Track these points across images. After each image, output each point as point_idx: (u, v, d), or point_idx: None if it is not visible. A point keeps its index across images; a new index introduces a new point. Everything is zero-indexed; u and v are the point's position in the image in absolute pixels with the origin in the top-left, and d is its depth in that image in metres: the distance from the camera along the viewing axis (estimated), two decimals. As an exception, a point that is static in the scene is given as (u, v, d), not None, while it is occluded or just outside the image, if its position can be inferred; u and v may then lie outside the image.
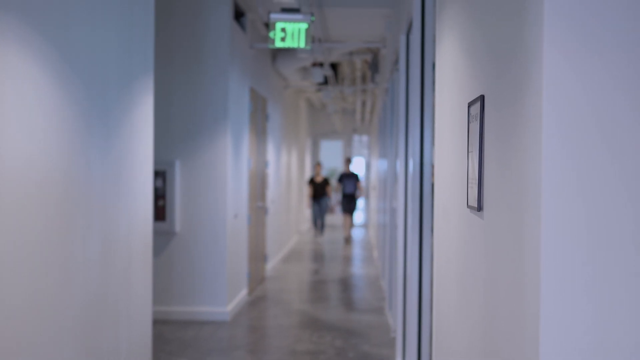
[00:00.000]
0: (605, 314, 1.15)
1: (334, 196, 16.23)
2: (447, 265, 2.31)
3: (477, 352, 1.75)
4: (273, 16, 5.50)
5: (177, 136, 6.98)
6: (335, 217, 21.64)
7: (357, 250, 13.76)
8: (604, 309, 1.15)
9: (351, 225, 15.67)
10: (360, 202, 19.83)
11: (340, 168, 23.46)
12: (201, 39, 6.93)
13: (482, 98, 1.68)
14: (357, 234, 17.65)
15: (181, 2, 6.90)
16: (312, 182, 15.32)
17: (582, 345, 1.16)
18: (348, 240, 15.40)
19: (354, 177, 15.61)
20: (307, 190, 15.81)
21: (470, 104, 1.83)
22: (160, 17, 6.60)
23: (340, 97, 15.69)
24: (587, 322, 1.15)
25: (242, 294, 7.91)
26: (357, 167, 25.01)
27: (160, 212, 6.94)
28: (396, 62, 5.79)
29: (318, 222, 15.38)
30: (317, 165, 15.66)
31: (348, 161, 16.25)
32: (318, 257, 12.46)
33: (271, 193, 10.59)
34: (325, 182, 15.30)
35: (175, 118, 6.95)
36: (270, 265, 10.49)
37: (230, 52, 6.98)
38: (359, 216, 22.34)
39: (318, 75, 10.48)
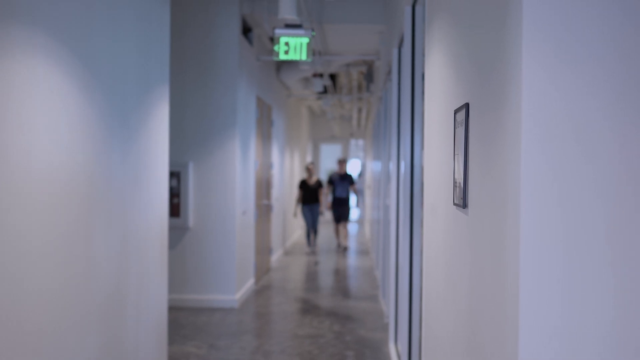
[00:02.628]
0: (579, 299, 1.15)
1: (324, 199, 12.51)
2: (436, 256, 2.31)
3: (462, 334, 1.75)
4: (277, 31, 5.50)
5: (190, 140, 6.98)
6: (326, 220, 17.71)
7: (353, 244, 13.73)
8: (577, 295, 1.15)
9: (346, 234, 12.40)
10: (353, 202, 14.20)
11: None
12: (212, 52, 6.93)
13: (467, 106, 1.68)
14: (352, 236, 14.87)
15: (194, 18, 6.90)
16: (303, 184, 11.75)
17: (557, 328, 1.16)
18: (343, 249, 12.26)
19: (347, 179, 12.28)
20: (296, 195, 12.16)
21: (456, 111, 1.83)
22: (175, 32, 6.61)
23: (339, 104, 15.68)
24: (562, 307, 1.16)
25: (250, 283, 7.91)
26: (353, 168, 22.49)
27: (175, 209, 6.95)
28: (389, 73, 5.79)
29: (311, 232, 11.96)
30: (309, 165, 11.93)
31: (342, 162, 12.66)
32: (318, 250, 12.45)
33: (275, 192, 10.59)
34: (319, 184, 11.82)
35: (189, 123, 6.96)
36: (275, 257, 10.49)
37: (238, 64, 6.99)
38: (353, 221, 18.63)
39: (318, 85, 10.49)
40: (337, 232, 12.56)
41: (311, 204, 11.71)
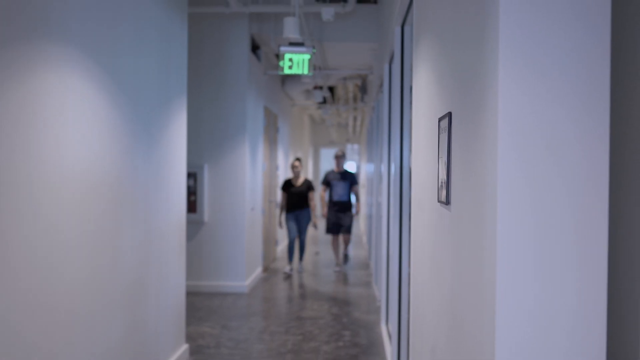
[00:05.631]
0: (549, 284, 1.16)
1: (319, 205, 8.32)
2: (422, 247, 2.31)
3: (446, 316, 1.75)
4: (282, 49, 5.50)
5: (205, 144, 6.98)
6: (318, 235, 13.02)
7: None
8: (547, 281, 1.16)
9: (345, 246, 8.84)
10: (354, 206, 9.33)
11: None
12: (225, 67, 6.93)
13: (449, 114, 1.68)
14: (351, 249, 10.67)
15: (209, 38, 6.91)
16: (287, 186, 8.29)
17: (530, 311, 1.16)
18: (344, 256, 8.92)
19: (348, 178, 8.65)
20: (280, 199, 8.69)
21: (440, 119, 1.83)
22: (193, 49, 6.61)
23: (336, 113, 15.68)
24: (534, 291, 1.16)
25: (258, 271, 7.90)
26: (352, 167, 20.19)
27: (192, 206, 6.95)
28: (381, 85, 5.80)
29: (296, 244, 8.62)
30: (295, 162, 8.31)
31: (340, 157, 8.76)
32: (318, 241, 12.44)
33: (280, 190, 10.58)
34: (308, 186, 8.28)
35: (204, 130, 6.96)
36: (280, 248, 10.48)
37: (248, 78, 6.99)
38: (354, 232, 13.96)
39: (318, 96, 10.50)
40: (335, 247, 8.71)
41: (297, 210, 8.27)
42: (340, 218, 8.62)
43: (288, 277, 8.00)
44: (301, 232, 8.32)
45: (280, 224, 8.60)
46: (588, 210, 1.14)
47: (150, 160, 3.79)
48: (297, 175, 8.31)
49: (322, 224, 13.26)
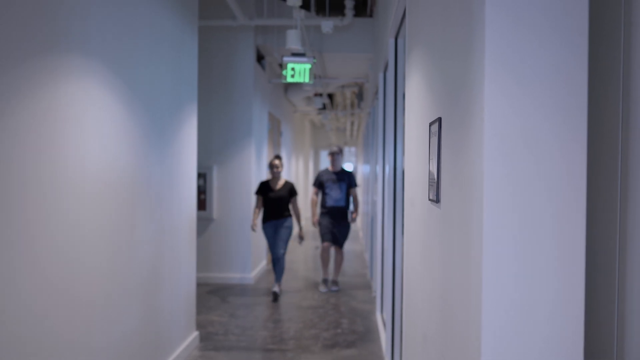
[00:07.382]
0: (530, 275, 1.17)
1: (314, 210, 6.54)
2: (414, 241, 2.31)
3: (436, 305, 1.75)
4: (285, 59, 5.50)
5: (214, 147, 6.98)
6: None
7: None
8: (528, 272, 1.17)
9: (340, 263, 6.73)
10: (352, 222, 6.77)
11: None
12: (232, 76, 6.94)
13: (439, 119, 1.69)
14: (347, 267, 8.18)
15: (218, 49, 6.91)
16: (264, 190, 6.18)
17: (513, 299, 1.17)
18: (332, 283, 6.65)
19: (344, 179, 6.63)
20: (255, 205, 6.29)
21: (431, 124, 1.84)
22: (203, 60, 6.61)
23: (335, 118, 15.67)
24: (516, 282, 1.17)
25: (262, 264, 7.91)
26: (349, 167, 18.67)
27: (202, 204, 6.95)
28: (376, 92, 5.80)
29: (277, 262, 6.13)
30: (274, 161, 6.19)
31: (335, 154, 6.70)
32: (317, 237, 12.43)
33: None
34: (290, 190, 6.19)
35: (214, 134, 6.96)
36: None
37: (253, 86, 6.99)
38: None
39: (318, 102, 10.49)
40: (325, 259, 6.64)
41: (277, 219, 6.14)
42: (335, 227, 6.57)
43: (276, 297, 6.10)
44: (279, 247, 6.11)
45: (253, 226, 6.22)
46: (567, 207, 1.15)
47: (163, 161, 3.80)
48: (276, 177, 6.19)
49: (314, 232, 12.29)
